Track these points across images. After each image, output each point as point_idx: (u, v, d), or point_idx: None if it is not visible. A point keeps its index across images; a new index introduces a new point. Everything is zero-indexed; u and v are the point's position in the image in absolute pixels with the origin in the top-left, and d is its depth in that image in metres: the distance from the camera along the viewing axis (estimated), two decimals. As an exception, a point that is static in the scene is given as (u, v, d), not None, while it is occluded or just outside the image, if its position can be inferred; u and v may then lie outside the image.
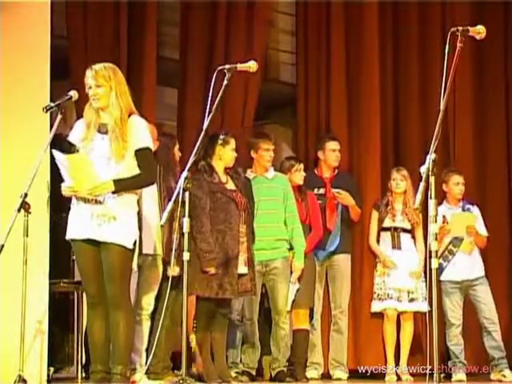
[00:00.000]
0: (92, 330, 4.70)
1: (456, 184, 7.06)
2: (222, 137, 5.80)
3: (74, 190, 4.57)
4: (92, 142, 4.63)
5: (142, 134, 4.66)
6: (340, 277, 6.98)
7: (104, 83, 4.61)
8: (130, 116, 4.66)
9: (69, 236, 4.68)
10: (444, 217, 6.87)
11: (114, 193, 4.55)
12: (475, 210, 7.11)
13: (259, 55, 7.07)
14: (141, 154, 4.63)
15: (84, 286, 4.78)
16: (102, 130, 4.64)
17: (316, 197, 6.82)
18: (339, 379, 6.84)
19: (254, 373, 6.37)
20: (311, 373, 6.79)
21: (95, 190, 4.52)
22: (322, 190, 6.97)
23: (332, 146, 7.08)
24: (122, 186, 4.58)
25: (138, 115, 4.72)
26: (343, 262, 6.99)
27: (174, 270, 5.33)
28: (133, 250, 4.63)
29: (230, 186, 5.86)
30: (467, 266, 6.95)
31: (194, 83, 6.94)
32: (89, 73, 4.65)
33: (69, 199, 4.69)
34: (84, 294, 5.93)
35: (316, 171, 7.12)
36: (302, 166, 6.63)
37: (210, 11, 7.15)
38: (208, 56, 7.05)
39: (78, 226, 4.61)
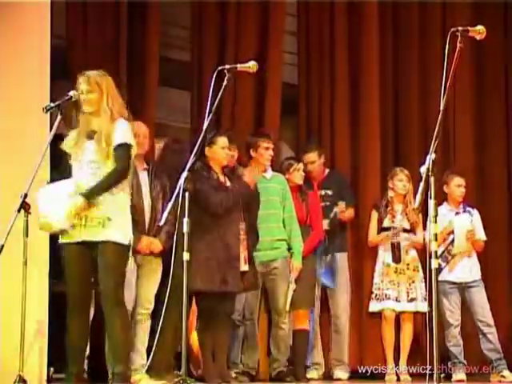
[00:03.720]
0: (70, 330, 4.76)
1: (458, 186, 7.02)
2: (208, 137, 5.77)
3: (51, 226, 4.63)
4: (81, 149, 4.70)
5: (120, 133, 4.70)
6: (338, 276, 6.96)
7: (96, 88, 4.70)
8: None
9: (63, 240, 4.72)
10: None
11: (89, 201, 4.57)
12: (475, 213, 7.09)
13: (276, 59, 7.08)
14: (116, 149, 4.68)
15: (70, 287, 4.78)
16: (91, 136, 4.71)
17: None
18: (340, 379, 6.84)
19: (253, 373, 6.37)
20: (311, 373, 6.79)
21: (70, 215, 4.55)
22: None
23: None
24: (94, 192, 4.61)
25: (128, 118, 4.77)
26: (340, 260, 6.98)
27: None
28: (128, 248, 4.70)
29: (228, 184, 5.84)
30: (466, 267, 6.94)
31: (207, 86, 6.89)
32: (81, 78, 4.75)
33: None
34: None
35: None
36: (301, 165, 6.60)
37: (221, 13, 7.14)
38: (220, 59, 7.00)
39: (73, 230, 4.65)
